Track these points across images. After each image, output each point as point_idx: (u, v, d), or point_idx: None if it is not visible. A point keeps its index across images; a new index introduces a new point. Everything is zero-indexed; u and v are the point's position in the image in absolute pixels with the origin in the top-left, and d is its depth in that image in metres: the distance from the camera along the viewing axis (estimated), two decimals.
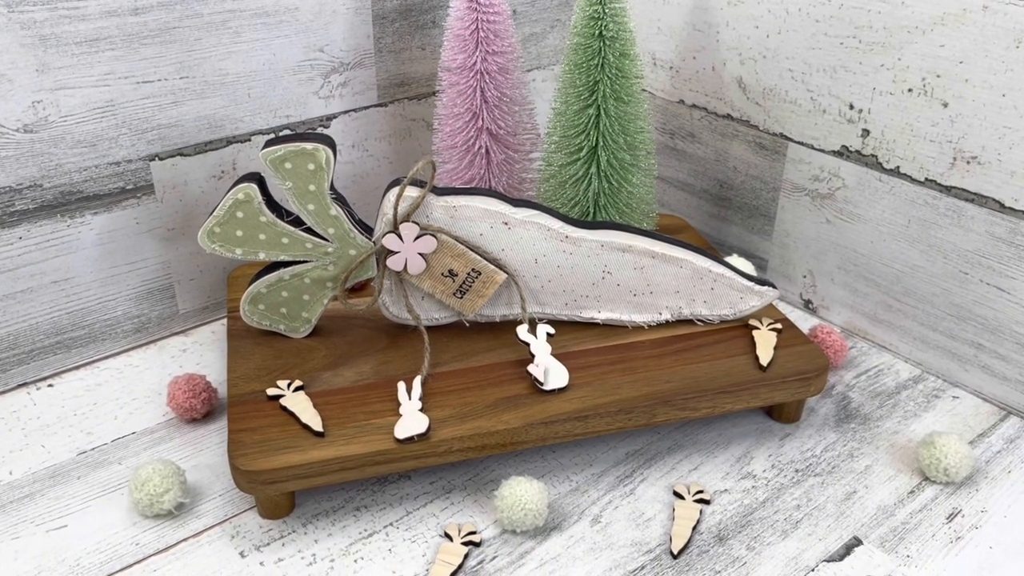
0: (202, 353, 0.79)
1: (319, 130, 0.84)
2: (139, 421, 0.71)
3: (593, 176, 0.74)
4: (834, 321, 0.84)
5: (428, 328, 0.71)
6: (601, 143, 0.73)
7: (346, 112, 0.85)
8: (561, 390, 0.65)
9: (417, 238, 0.67)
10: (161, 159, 0.76)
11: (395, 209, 0.66)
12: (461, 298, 0.70)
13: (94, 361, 0.78)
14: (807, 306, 0.86)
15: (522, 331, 0.68)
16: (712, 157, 0.91)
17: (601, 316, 0.72)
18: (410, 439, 0.60)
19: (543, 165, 0.78)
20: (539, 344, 0.67)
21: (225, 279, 0.83)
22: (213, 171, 0.79)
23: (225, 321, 0.83)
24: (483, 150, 0.76)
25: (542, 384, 0.65)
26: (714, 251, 0.84)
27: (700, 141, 0.92)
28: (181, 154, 0.77)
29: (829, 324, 0.83)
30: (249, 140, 0.80)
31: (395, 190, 0.66)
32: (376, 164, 0.89)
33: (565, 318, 0.73)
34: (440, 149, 0.78)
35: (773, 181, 0.85)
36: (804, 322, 0.84)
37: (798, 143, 0.82)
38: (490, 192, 0.68)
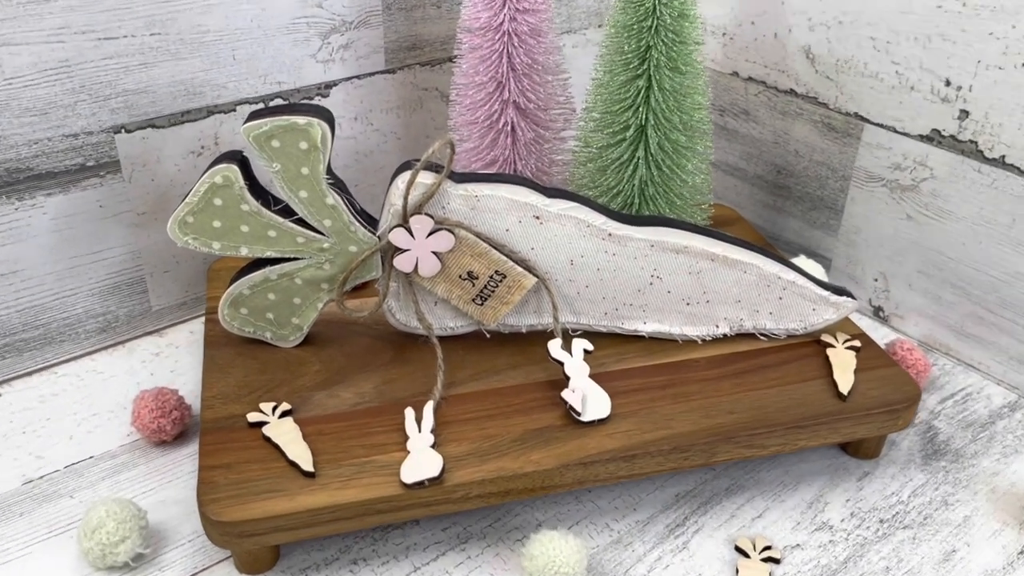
0: (178, 357, 0.68)
1: (316, 100, 0.72)
2: (99, 442, 0.60)
3: (640, 161, 0.62)
4: (909, 333, 0.72)
5: (442, 339, 0.59)
6: (651, 121, 0.61)
7: (348, 79, 0.73)
8: (601, 421, 0.54)
9: (431, 234, 0.55)
10: (128, 131, 0.64)
11: (405, 198, 0.54)
12: (482, 305, 0.58)
13: (50, 366, 0.67)
14: (877, 314, 0.74)
15: (555, 348, 0.57)
16: (770, 139, 0.79)
17: (647, 328, 0.61)
18: (420, 484, 0.49)
19: (579, 146, 0.66)
20: (575, 364, 0.56)
21: (205, 272, 0.71)
22: (191, 146, 0.67)
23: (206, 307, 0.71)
24: (508, 127, 0.65)
25: (579, 414, 0.54)
26: (771, 247, 0.73)
27: (756, 120, 0.80)
28: (152, 126, 0.65)
29: (907, 338, 0.71)
30: (234, 111, 0.68)
31: (405, 175, 0.54)
32: (382, 140, 0.78)
33: (604, 330, 0.61)
34: (458, 125, 0.67)
35: (843, 168, 0.73)
36: (873, 332, 0.72)
37: (877, 125, 0.70)
38: (519, 179, 0.57)
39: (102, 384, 0.66)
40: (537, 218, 0.57)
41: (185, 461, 0.59)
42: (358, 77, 0.74)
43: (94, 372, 0.67)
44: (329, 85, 0.72)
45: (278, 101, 0.70)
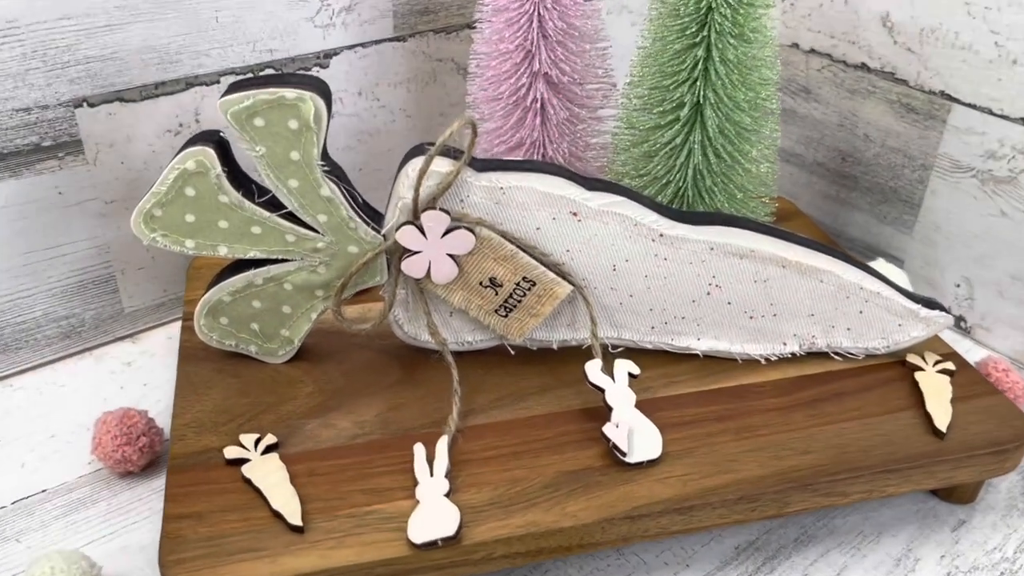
0: (152, 368, 0.59)
1: (313, 72, 0.62)
2: (55, 471, 0.51)
3: (696, 146, 0.53)
4: (998, 348, 0.63)
5: (458, 355, 0.50)
6: (710, 99, 0.51)
7: (351, 48, 0.63)
8: (651, 463, 0.45)
9: (447, 233, 0.46)
10: (91, 105, 0.55)
11: (416, 190, 0.45)
12: (506, 317, 0.49)
13: (3, 377, 0.58)
14: (958, 325, 0.64)
15: (594, 370, 0.47)
16: (834, 121, 0.69)
17: (702, 345, 0.52)
18: (432, 544, 0.40)
19: (620, 127, 0.56)
20: (619, 391, 0.47)
21: (185, 270, 0.62)
22: (167, 124, 0.58)
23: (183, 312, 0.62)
24: (538, 104, 0.55)
25: (624, 455, 0.45)
26: (837, 247, 0.63)
27: (818, 99, 0.70)
28: (121, 99, 0.56)
29: (999, 355, 0.62)
30: (218, 82, 0.59)
31: (417, 162, 0.45)
32: (389, 119, 0.68)
33: (649, 346, 0.52)
34: (478, 101, 0.57)
35: (923, 156, 0.63)
36: (955, 346, 0.63)
37: (968, 106, 0.60)
38: (554, 167, 0.47)
39: (63, 399, 0.57)
40: (574, 215, 0.47)
41: (153, 498, 0.50)
42: (362, 45, 0.64)
43: (54, 385, 0.58)
44: (329, 54, 0.62)
45: (270, 71, 0.60)
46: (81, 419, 0.55)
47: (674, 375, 0.51)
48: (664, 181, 0.54)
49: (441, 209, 0.45)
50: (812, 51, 0.69)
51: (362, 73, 0.65)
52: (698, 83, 0.51)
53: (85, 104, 0.54)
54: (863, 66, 0.66)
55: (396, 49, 0.65)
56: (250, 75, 0.59)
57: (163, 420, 0.53)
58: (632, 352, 0.52)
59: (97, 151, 0.56)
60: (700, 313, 0.51)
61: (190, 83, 0.58)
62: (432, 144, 0.45)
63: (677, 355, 0.52)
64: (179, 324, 0.62)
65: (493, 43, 0.55)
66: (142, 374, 0.59)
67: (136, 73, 0.55)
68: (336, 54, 0.63)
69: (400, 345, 0.52)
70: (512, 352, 0.51)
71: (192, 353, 0.52)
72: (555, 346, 0.51)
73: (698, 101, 0.52)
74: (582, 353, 0.51)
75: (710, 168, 0.53)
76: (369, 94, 0.66)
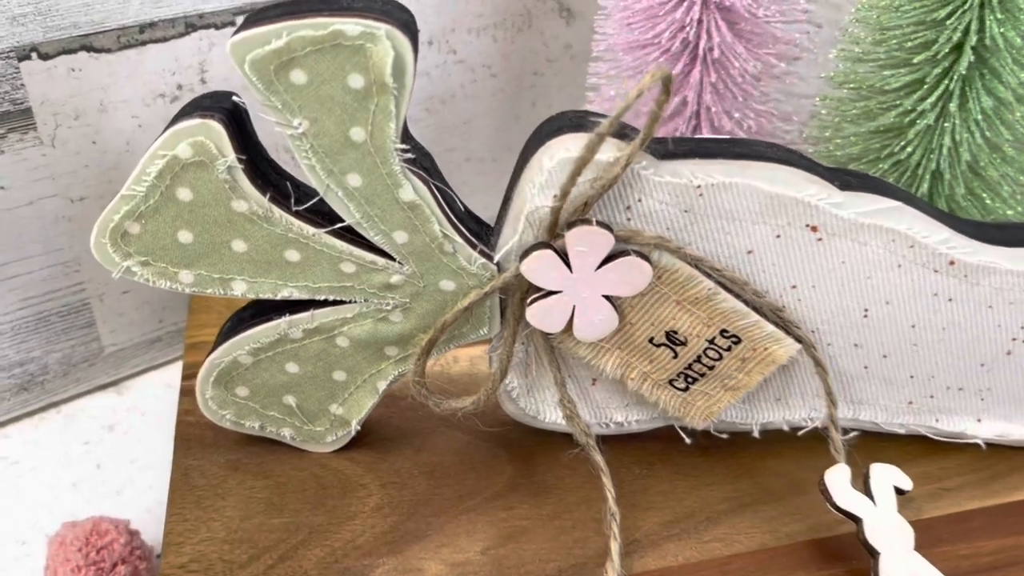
0: (143, 433, 0.42)
1: None
2: None
3: (957, 120, 0.34)
4: None
5: (604, 439, 0.32)
6: (985, 52, 0.32)
7: None
8: None
9: (606, 261, 0.28)
10: (45, 57, 0.37)
11: (565, 192, 0.27)
12: (686, 390, 0.31)
13: None
14: None
15: (840, 486, 0.29)
16: None
17: (984, 431, 0.33)
18: None
19: (836, 87, 0.37)
20: (885, 524, 0.29)
21: (186, 298, 0.44)
22: (159, 84, 0.40)
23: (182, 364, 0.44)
24: (714, 50, 0.36)
25: None
26: None
27: None
28: (89, 48, 0.38)
29: None
30: (232, 23, 0.41)
31: (564, 145, 0.27)
32: (469, 78, 0.49)
33: (901, 431, 0.34)
34: (616, 49, 0.38)
35: None
36: None
37: None
38: (784, 153, 0.29)
39: (13, 485, 0.39)
40: (813, 229, 0.29)
41: None
42: None
43: (3, 461, 0.41)
44: None
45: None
46: (38, 518, 0.38)
47: (941, 478, 0.33)
48: (918, 169, 0.35)
49: (599, 223, 0.27)
50: None
51: (432, 14, 0.46)
52: (964, 27, 0.32)
53: (35, 55, 0.36)
54: None
55: None
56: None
57: (155, 524, 0.36)
58: (868, 438, 0.33)
59: (56, 126, 0.38)
60: (990, 382, 0.32)
61: (192, 24, 0.39)
62: (587, 116, 0.27)
63: (940, 444, 0.34)
64: (180, 370, 0.45)
65: None
66: (128, 443, 0.42)
67: (112, 10, 0.37)
68: None
69: (509, 424, 0.34)
70: (687, 439, 0.33)
71: (195, 436, 0.34)
72: (756, 432, 0.33)
73: (977, 47, 0.33)
74: (796, 442, 0.33)
75: (985, 155, 0.34)
76: (442, 44, 0.47)
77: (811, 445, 0.33)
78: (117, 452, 0.41)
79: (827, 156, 0.37)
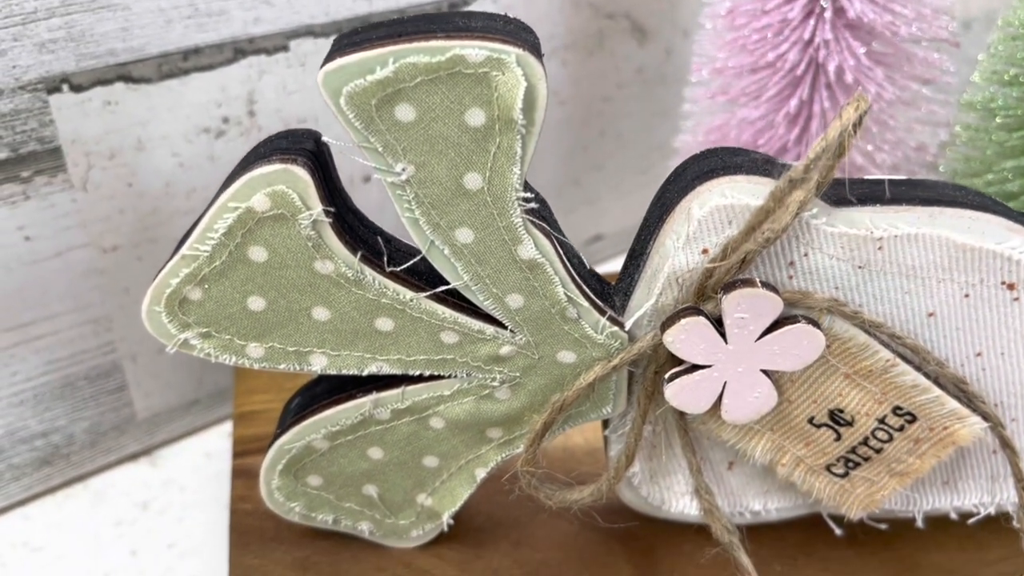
0: (182, 511, 0.37)
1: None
2: None
3: None
4: None
5: (748, 530, 0.27)
6: None
7: None
8: None
9: (771, 330, 0.23)
10: (77, 89, 0.32)
11: (736, 247, 0.22)
12: (844, 476, 0.26)
13: None
14: None
15: None
16: None
17: None
18: None
19: (984, 105, 0.33)
20: None
21: None
22: (203, 119, 0.35)
23: (231, 440, 0.38)
24: (847, 74, 0.32)
25: None
26: None
27: None
28: (127, 78, 0.33)
29: None
30: (285, 48, 0.36)
31: (718, 186, 0.22)
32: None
33: None
34: (724, 75, 0.34)
35: None
36: None
37: None
38: (979, 198, 0.24)
39: (34, 571, 0.34)
40: (1011, 288, 0.24)
41: None
42: None
43: (24, 548, 0.35)
44: (455, 3, 0.40)
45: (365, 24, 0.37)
46: None
47: None
48: None
49: (764, 284, 0.23)
50: None
51: None
52: None
53: (66, 86, 0.32)
54: None
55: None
56: (352, 30, 0.35)
57: None
58: None
59: (88, 167, 0.33)
60: None
61: (241, 49, 0.35)
62: (748, 155, 0.22)
63: None
64: (222, 433, 0.40)
65: None
66: (166, 523, 0.36)
67: (152, 36, 0.33)
68: (466, 3, 0.40)
69: (625, 513, 0.29)
70: (836, 530, 0.28)
71: (253, 528, 0.29)
72: (920, 522, 0.28)
73: None
74: (960, 531, 0.28)
75: None
76: None
77: (976, 534, 0.28)
78: (153, 535, 0.36)
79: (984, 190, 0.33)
